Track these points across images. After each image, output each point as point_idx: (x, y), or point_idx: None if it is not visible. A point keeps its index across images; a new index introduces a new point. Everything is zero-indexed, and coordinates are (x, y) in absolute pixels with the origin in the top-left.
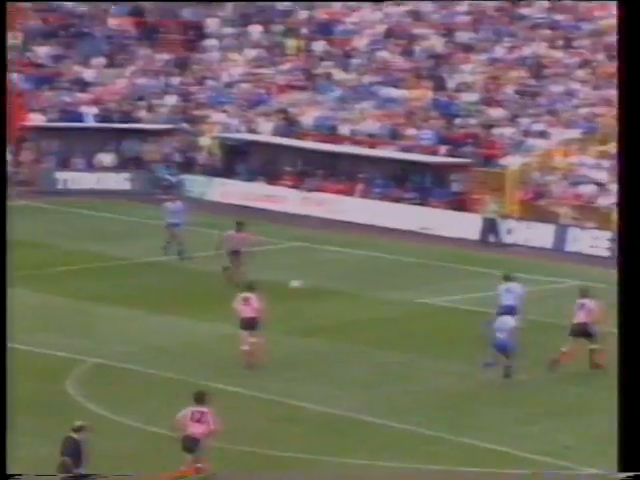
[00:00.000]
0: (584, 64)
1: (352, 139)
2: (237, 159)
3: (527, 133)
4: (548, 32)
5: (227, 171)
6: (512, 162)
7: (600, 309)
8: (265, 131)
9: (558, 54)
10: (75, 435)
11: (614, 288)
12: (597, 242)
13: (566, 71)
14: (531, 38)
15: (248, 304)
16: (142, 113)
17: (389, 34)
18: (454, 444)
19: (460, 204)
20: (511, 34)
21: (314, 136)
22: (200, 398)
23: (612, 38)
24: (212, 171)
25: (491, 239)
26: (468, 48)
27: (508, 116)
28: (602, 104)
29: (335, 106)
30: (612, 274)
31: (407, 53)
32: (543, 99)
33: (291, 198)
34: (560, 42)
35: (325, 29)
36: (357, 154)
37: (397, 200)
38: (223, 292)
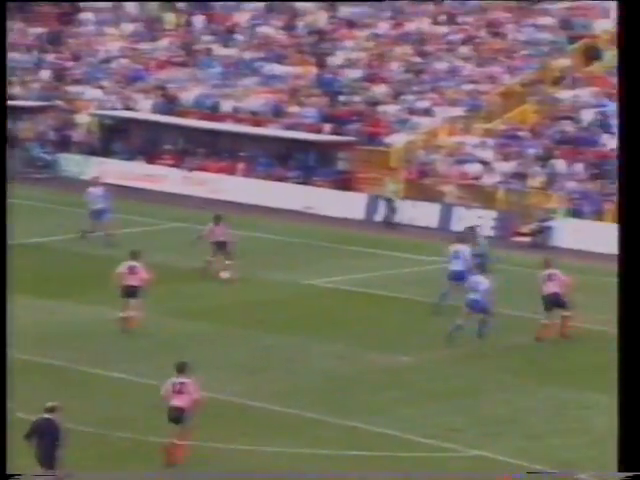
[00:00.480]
0: (467, 40)
1: (234, 117)
2: (115, 137)
3: (412, 111)
4: (431, 8)
5: (105, 150)
6: (397, 140)
7: (567, 278)
8: (144, 108)
9: (441, 30)
10: (50, 416)
11: (502, 267)
12: (482, 221)
13: (450, 47)
14: (414, 14)
15: (133, 273)
16: (15, 89)
17: (270, 9)
18: (339, 427)
19: (345, 183)
20: (394, 9)
21: (195, 114)
22: (180, 368)
23: (495, 14)
24: (89, 149)
25: (390, 219)
26: (351, 24)
27: (392, 93)
28: (486, 81)
29: (216, 83)
30: (496, 253)
31: (289, 28)
32: (427, 76)
33: (171, 177)
34: (443, 18)
35: (204, 4)
36: (239, 132)
37: (281, 179)
38: (105, 275)
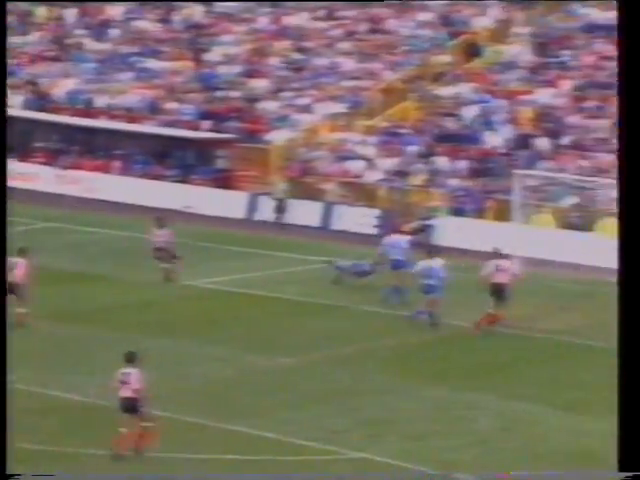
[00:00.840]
0: (348, 36)
1: (109, 113)
2: None
3: (292, 107)
4: (311, 3)
5: None
6: (277, 138)
7: (516, 270)
8: (14, 104)
9: (321, 25)
10: None
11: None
12: (364, 219)
13: (330, 43)
14: (294, 9)
15: (16, 269)
16: None
17: (145, 2)
18: (219, 431)
19: (225, 182)
20: (273, 4)
21: (68, 110)
22: (128, 359)
23: (375, 10)
24: None
25: (281, 220)
26: (229, 18)
27: (272, 90)
28: (367, 77)
29: (90, 78)
30: (376, 251)
31: (165, 22)
32: (307, 72)
33: (44, 176)
34: (323, 13)
35: None
36: (114, 129)
37: (158, 178)
38: None
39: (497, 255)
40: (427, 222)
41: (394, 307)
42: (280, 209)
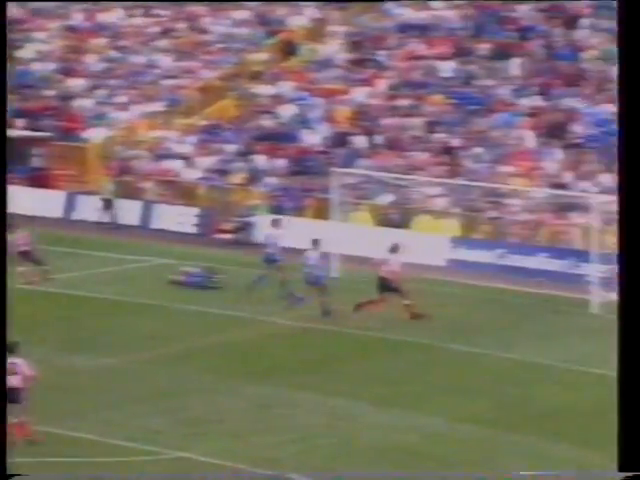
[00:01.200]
0: (165, 34)
1: None
2: None
3: (109, 105)
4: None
5: None
6: (94, 136)
7: (401, 265)
8: None
9: (138, 22)
10: None
11: (198, 264)
12: (183, 218)
13: (147, 41)
14: (110, 5)
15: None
16: None
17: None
18: (35, 433)
19: (41, 180)
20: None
21: None
22: (11, 349)
23: (192, 8)
24: None
25: (107, 219)
26: (43, 15)
27: (88, 87)
28: (185, 76)
29: None
30: (198, 251)
31: None
32: (124, 70)
33: None
34: (139, 10)
35: None
36: None
37: None
38: None
39: (393, 250)
40: (246, 220)
41: (218, 306)
42: (107, 208)
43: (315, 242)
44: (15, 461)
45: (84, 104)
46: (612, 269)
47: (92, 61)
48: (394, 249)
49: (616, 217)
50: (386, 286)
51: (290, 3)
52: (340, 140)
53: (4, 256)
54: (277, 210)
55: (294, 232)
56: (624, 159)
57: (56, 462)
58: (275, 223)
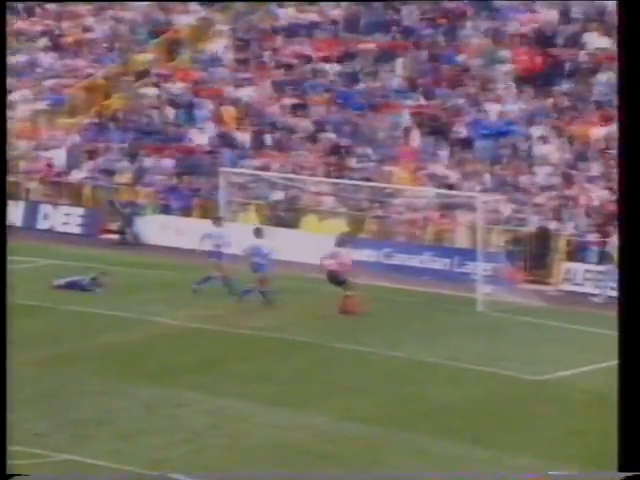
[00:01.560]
0: (48, 33)
1: None
2: None
3: None
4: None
5: None
6: None
7: (349, 258)
8: None
9: (19, 22)
10: None
11: (84, 264)
12: (69, 218)
13: (28, 40)
14: None
15: None
16: None
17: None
18: None
19: None
20: None
21: None
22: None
23: (76, 6)
24: None
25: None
26: None
27: None
28: (69, 75)
29: None
30: (84, 251)
31: None
32: (7, 69)
33: None
34: (21, 9)
35: None
36: None
37: None
38: None
39: (337, 244)
40: (132, 220)
41: (103, 307)
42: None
43: (258, 231)
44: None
45: None
46: (496, 267)
47: None
48: (341, 242)
49: (500, 216)
50: (335, 279)
51: (175, 3)
52: (227, 140)
53: (4, 256)
54: (164, 210)
55: (181, 232)
56: (624, 162)
57: None
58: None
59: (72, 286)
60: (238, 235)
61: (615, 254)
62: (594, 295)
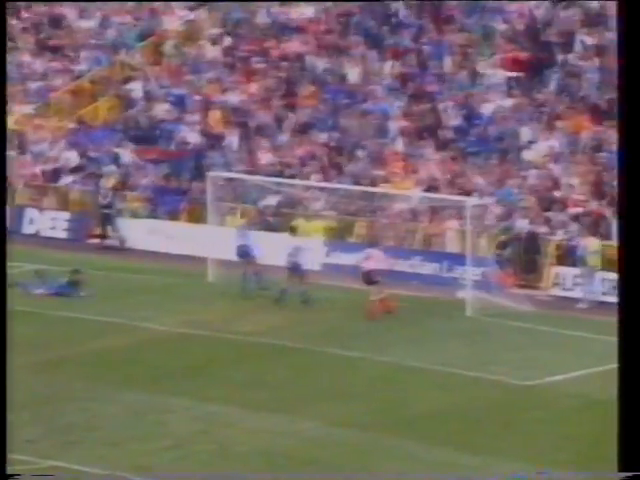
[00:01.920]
0: (33, 34)
1: None
2: None
3: None
4: None
5: None
6: None
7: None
8: None
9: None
10: None
11: (70, 269)
12: (55, 223)
13: (14, 41)
14: None
15: None
16: None
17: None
18: None
19: None
20: None
21: None
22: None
23: (59, 8)
24: None
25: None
26: None
27: None
28: (55, 77)
29: None
30: (71, 256)
31: None
32: None
33: None
34: (8, 10)
35: None
36: None
37: None
38: None
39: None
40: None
41: (95, 313)
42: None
43: (292, 229)
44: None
45: None
46: (486, 272)
47: None
48: (372, 244)
49: (489, 221)
50: (370, 279)
51: (162, 4)
52: (215, 142)
53: (4, 258)
54: (152, 214)
55: (169, 236)
56: (625, 166)
57: None
58: (292, 231)
59: (53, 294)
60: (225, 239)
61: (587, 256)
62: (579, 300)
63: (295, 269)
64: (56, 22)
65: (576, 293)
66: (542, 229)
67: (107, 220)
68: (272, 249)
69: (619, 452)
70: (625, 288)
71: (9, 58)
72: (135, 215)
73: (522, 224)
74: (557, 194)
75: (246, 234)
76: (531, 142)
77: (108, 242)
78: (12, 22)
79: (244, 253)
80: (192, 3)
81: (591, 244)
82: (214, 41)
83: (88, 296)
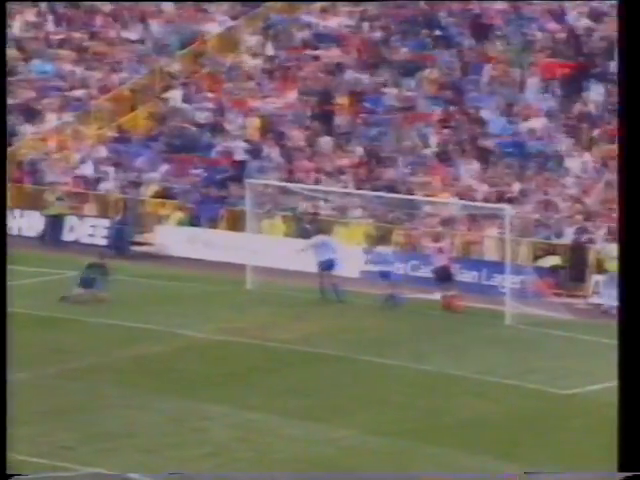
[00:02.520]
0: (72, 42)
1: None
2: None
3: (18, 115)
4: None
5: None
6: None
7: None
8: None
9: (41, 31)
10: None
11: (119, 277)
12: (95, 230)
13: (54, 49)
14: (17, 11)
15: None
16: None
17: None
18: None
19: None
20: None
21: None
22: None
23: (98, 17)
24: None
25: (15, 232)
26: None
27: None
28: (95, 86)
29: None
30: (110, 263)
31: None
32: (34, 79)
33: None
34: (49, 17)
35: None
36: None
37: None
38: None
39: (437, 239)
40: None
41: (133, 319)
42: (55, 227)
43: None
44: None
45: None
46: (525, 280)
47: None
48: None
49: (528, 228)
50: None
51: (204, 11)
52: (253, 150)
53: (4, 257)
54: (191, 221)
55: (209, 244)
56: (625, 166)
57: None
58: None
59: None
60: (263, 247)
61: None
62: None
63: (328, 267)
64: (96, 31)
65: (615, 301)
66: (582, 237)
67: (146, 227)
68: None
69: (619, 452)
70: (625, 290)
71: (50, 65)
72: (174, 222)
73: (562, 232)
74: (597, 203)
75: (328, 246)
76: (572, 151)
77: (147, 249)
78: (54, 29)
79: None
80: (232, 12)
81: None
82: (253, 49)
83: (126, 302)
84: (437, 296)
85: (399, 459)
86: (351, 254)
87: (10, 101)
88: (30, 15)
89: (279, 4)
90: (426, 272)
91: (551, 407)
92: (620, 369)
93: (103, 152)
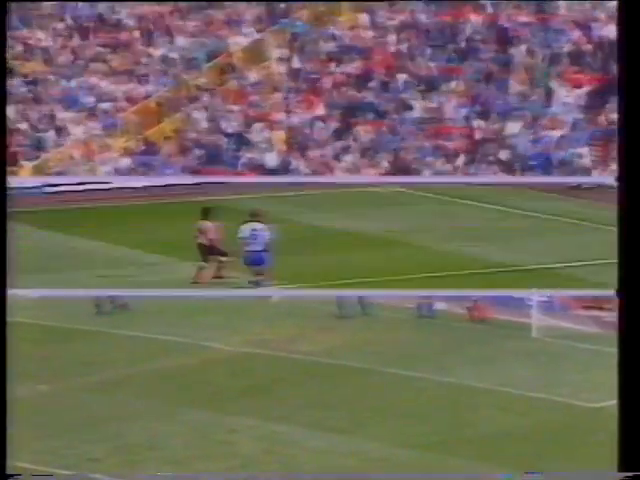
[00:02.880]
0: (98, 56)
1: None
2: None
3: (41, 130)
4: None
5: None
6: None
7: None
8: None
9: (71, 44)
10: None
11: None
12: None
13: (81, 62)
14: (41, 26)
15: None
16: None
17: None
18: None
19: None
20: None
21: None
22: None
23: (127, 31)
24: None
25: None
26: None
27: (21, 109)
28: (121, 98)
29: None
30: None
31: None
32: (59, 92)
33: None
34: (74, 31)
35: None
36: None
37: None
38: None
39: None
40: None
41: (149, 331)
42: None
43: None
44: None
45: (20, 127)
46: (552, 293)
47: (18, 82)
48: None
49: None
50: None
51: (231, 24)
52: (279, 162)
53: (4, 257)
54: None
55: None
56: (624, 167)
57: None
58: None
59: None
60: None
61: None
62: None
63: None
64: (122, 45)
65: None
66: None
67: None
68: None
69: (619, 452)
70: (626, 292)
71: (77, 79)
72: None
73: None
74: None
75: None
76: (596, 162)
77: None
78: (80, 42)
79: None
80: (259, 25)
81: None
82: (280, 62)
83: (151, 314)
84: (462, 308)
85: (425, 471)
86: None
87: (36, 114)
88: (57, 28)
89: (305, 17)
90: None
91: (577, 420)
92: (620, 369)
93: (129, 164)
